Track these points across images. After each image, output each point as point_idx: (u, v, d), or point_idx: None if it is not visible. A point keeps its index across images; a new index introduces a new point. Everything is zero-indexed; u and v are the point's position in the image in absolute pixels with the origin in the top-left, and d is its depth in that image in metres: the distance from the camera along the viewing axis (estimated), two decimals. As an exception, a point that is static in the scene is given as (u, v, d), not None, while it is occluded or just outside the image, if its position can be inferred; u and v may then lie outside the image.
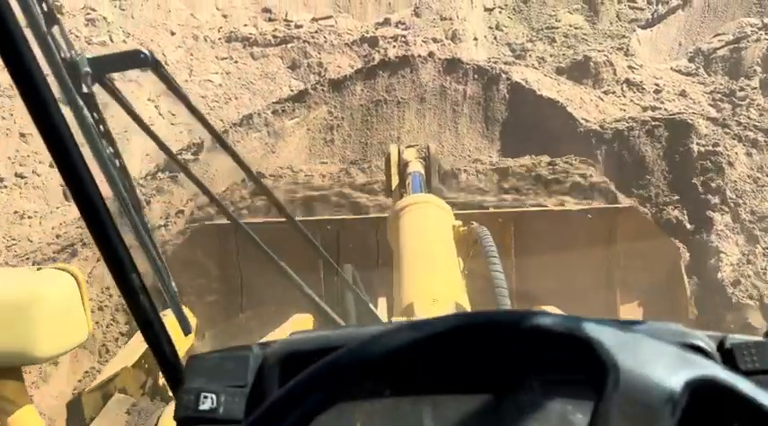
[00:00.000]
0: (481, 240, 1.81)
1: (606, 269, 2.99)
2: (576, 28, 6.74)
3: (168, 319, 1.02)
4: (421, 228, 2.07)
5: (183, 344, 1.49)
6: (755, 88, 5.71)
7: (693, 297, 3.02)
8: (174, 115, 6.05)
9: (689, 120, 4.23)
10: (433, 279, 1.76)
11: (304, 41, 7.12)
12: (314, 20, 7.69)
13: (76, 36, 6.47)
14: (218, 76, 6.72)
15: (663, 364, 0.44)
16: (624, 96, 5.72)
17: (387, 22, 7.52)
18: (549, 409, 0.67)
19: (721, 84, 5.93)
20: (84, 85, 0.98)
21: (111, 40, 6.57)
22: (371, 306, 2.11)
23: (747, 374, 0.63)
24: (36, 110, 0.59)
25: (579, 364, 0.47)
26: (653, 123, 4.30)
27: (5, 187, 5.01)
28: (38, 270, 1.14)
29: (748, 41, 6.16)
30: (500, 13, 7.33)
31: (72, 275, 1.12)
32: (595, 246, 2.94)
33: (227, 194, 3.78)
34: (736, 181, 3.87)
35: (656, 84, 5.92)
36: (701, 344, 0.65)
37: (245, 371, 0.67)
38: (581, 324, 0.48)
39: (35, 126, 0.59)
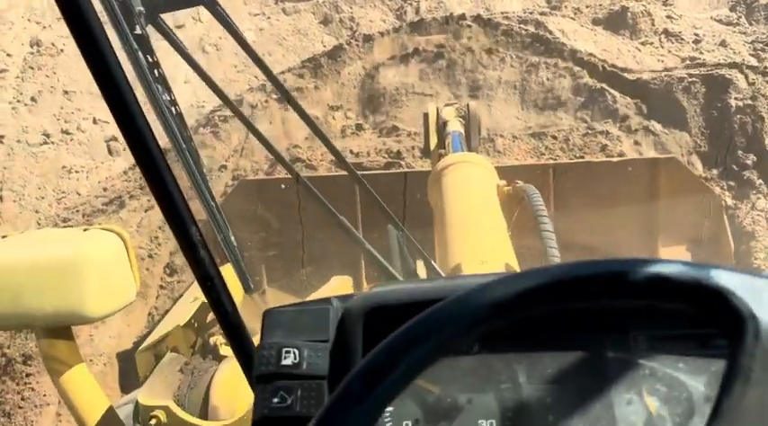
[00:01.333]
0: (530, 199, 1.76)
1: (647, 219, 2.96)
2: (613, -23, 6.57)
3: (227, 274, 0.99)
4: (464, 188, 2.00)
5: (245, 301, 1.51)
6: (800, 36, 5.55)
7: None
8: (210, 72, 6.12)
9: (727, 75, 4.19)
10: (480, 240, 1.71)
11: (335, -4, 7.09)
12: (345, -26, 7.63)
13: (112, -6, 6.54)
14: (251, 33, 6.77)
15: None
16: (662, 47, 5.62)
17: (418, -26, 7.42)
18: (656, 367, 0.64)
19: (764, 34, 5.77)
20: (137, 26, 0.93)
21: (146, -2, 6.65)
22: (433, 262, 2.02)
23: None
24: (89, 52, 0.56)
25: (705, 316, 0.44)
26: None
27: (52, 143, 5.18)
28: (84, 230, 1.14)
29: (793, -12, 5.96)
30: (534, -37, 7.17)
31: (118, 235, 1.11)
32: (636, 198, 2.90)
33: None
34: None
35: (696, 35, 5.79)
36: None
37: (326, 325, 0.64)
38: (709, 273, 0.43)
39: (88, 69, 0.56)
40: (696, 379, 0.62)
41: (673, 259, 0.47)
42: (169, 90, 0.99)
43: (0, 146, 5.02)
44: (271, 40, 6.72)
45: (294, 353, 0.61)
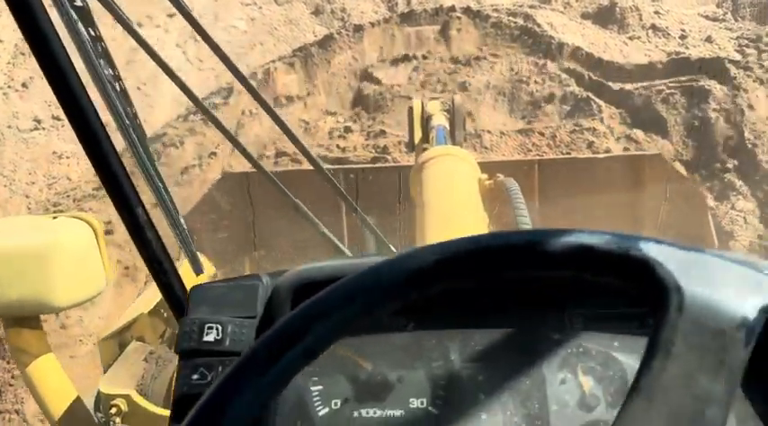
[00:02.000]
0: (509, 193, 1.75)
1: (632, 216, 2.98)
2: (602, -28, 6.64)
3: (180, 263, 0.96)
4: (445, 182, 2.00)
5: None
6: (784, 33, 5.65)
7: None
8: (201, 61, 6.16)
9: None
10: (457, 234, 1.64)
11: (327, -14, 7.11)
12: (337, -35, 7.65)
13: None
14: (242, 23, 6.79)
15: (734, 286, 0.38)
16: (649, 41, 5.70)
17: (410, -34, 7.45)
18: (590, 344, 0.63)
19: (749, 30, 5.86)
20: None
21: (138, -14, 6.63)
22: (393, 248, 2.03)
23: None
24: (25, 24, 0.54)
25: (632, 289, 0.41)
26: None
27: (43, 129, 5.20)
28: (54, 218, 1.11)
29: (779, -15, 6.05)
30: (525, -43, 7.23)
31: (89, 224, 1.08)
32: (621, 193, 2.90)
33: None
34: (755, 122, 3.93)
35: (682, 30, 5.87)
36: None
37: (254, 301, 0.63)
38: (636, 243, 0.41)
39: (25, 40, 0.54)
40: (631, 357, 0.61)
41: (599, 230, 0.44)
42: (113, 65, 0.94)
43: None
44: (262, 30, 6.74)
45: (217, 329, 0.60)
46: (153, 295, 1.95)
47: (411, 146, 2.89)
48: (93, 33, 0.87)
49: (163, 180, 1.02)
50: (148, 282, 3.76)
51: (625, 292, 0.41)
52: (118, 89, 0.91)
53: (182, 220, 1.09)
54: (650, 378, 0.35)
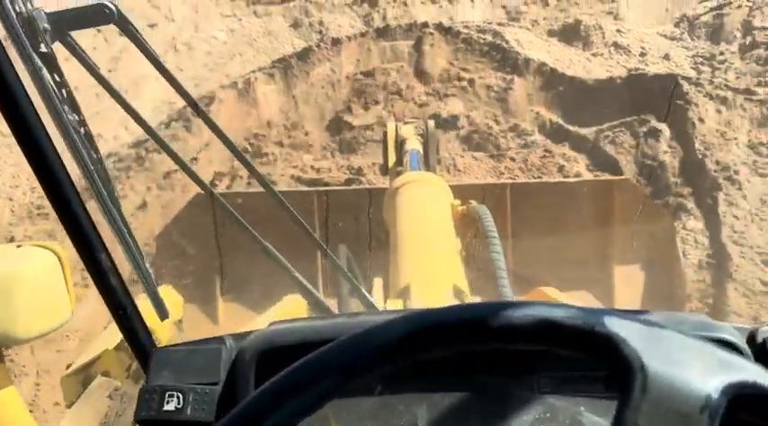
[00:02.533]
0: (481, 220, 1.76)
1: (601, 238, 3.01)
2: (568, -8, 6.99)
3: (146, 304, 0.99)
4: (418, 207, 2.01)
5: (162, 330, 1.47)
6: (734, 52, 6.03)
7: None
8: (181, 70, 6.32)
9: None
10: (430, 261, 1.71)
11: (306, 0, 7.34)
12: (315, -20, 7.90)
13: (86, -9, 6.68)
14: (222, 33, 6.97)
15: (698, 366, 0.39)
16: (611, 58, 6.03)
17: (386, -17, 7.74)
18: (558, 408, 0.63)
19: (703, 49, 6.24)
20: (42, 44, 0.90)
21: (120, -4, 6.79)
22: (365, 291, 1.98)
23: None
24: None
25: (598, 362, 0.42)
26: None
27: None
28: (18, 247, 1.08)
29: (730, 8, 6.45)
30: (496, -24, 7.57)
31: (54, 253, 1.06)
32: (590, 217, 2.96)
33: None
34: (705, 134, 4.24)
35: (642, 48, 6.23)
36: (731, 339, 0.60)
37: (217, 366, 0.61)
38: (601, 318, 0.42)
39: None
40: (597, 420, 0.61)
41: (566, 304, 0.45)
42: (77, 110, 0.94)
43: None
44: (242, 41, 6.94)
45: (178, 397, 0.58)
46: (118, 330, 2.00)
47: (385, 170, 2.92)
48: (57, 79, 0.87)
49: (128, 224, 1.02)
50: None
51: (594, 361, 0.42)
52: (82, 133, 0.91)
53: (147, 265, 1.08)
54: None
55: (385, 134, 2.90)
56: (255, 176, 1.68)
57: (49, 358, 3.30)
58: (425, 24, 5.37)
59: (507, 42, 5.22)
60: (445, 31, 5.25)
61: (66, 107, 0.88)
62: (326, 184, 4.11)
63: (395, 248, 1.78)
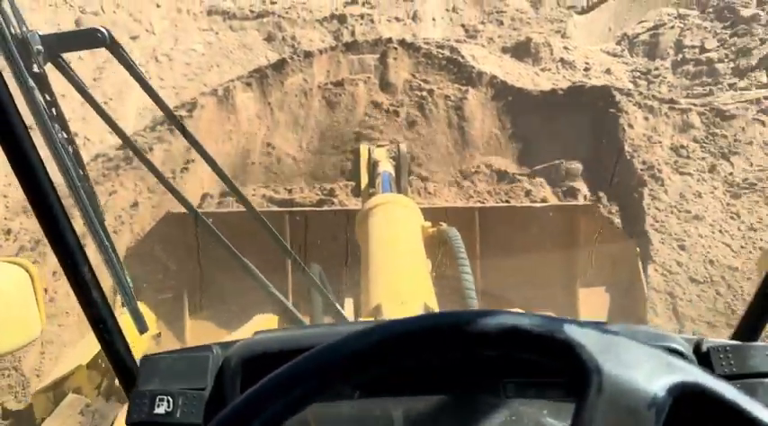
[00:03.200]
0: (451, 241, 1.82)
1: (566, 261, 3.11)
2: (521, 12, 7.64)
3: (124, 317, 0.97)
4: (389, 228, 2.05)
5: (139, 344, 1.48)
6: (667, 68, 6.72)
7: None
8: (162, 79, 6.74)
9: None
10: (401, 281, 1.75)
11: (279, 16, 7.84)
12: (287, -3, 8.42)
13: (71, 6, 7.06)
14: (200, 46, 7.41)
15: (647, 368, 0.43)
16: (558, 73, 6.66)
17: (354, 1, 8.29)
18: (522, 412, 0.67)
19: (641, 64, 6.92)
20: (35, 64, 0.90)
21: (103, 11, 7.19)
22: (339, 307, 2.06)
23: (724, 378, 0.62)
24: None
25: (558, 367, 0.46)
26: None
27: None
28: None
29: (665, 28, 7.16)
30: (456, -4, 8.19)
31: (25, 269, 1.07)
32: (556, 240, 3.05)
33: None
34: (633, 138, 4.85)
35: (587, 63, 6.87)
36: (678, 347, 0.66)
37: (205, 373, 0.64)
38: (561, 326, 0.46)
39: None
40: (559, 423, 0.65)
41: (527, 312, 0.49)
42: (66, 129, 0.94)
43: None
44: (219, 53, 7.39)
45: (168, 401, 0.61)
46: (91, 346, 1.86)
47: (358, 191, 3.01)
48: (48, 98, 0.89)
49: (111, 240, 1.02)
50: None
51: (555, 367, 0.45)
52: (71, 151, 0.91)
53: (128, 279, 1.07)
54: None
55: (358, 156, 2.97)
56: (237, 195, 1.64)
57: (52, 332, 3.67)
58: (390, 40, 5.90)
59: (463, 57, 5.78)
60: (408, 46, 5.79)
61: (56, 125, 0.87)
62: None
63: (366, 268, 1.80)
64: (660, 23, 7.29)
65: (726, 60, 6.40)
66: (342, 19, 7.78)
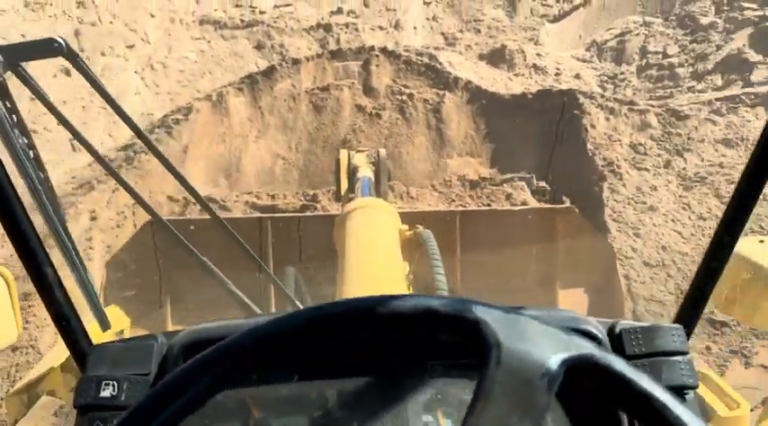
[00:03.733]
0: (425, 243, 1.85)
1: (545, 263, 3.14)
2: (497, 21, 8.10)
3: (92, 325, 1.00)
4: (366, 232, 2.07)
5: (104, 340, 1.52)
6: (633, 72, 7.19)
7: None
8: (158, 86, 7.12)
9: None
10: (376, 285, 1.76)
11: (268, 26, 8.25)
12: (276, 6, 8.83)
13: (69, 17, 7.43)
14: (193, 54, 7.80)
15: (543, 343, 0.47)
16: (530, 78, 7.11)
17: (340, 10, 8.71)
18: (447, 391, 0.72)
19: (608, 69, 7.39)
20: None
21: (100, 21, 7.56)
22: (298, 303, 2.04)
23: (634, 358, 0.70)
24: None
25: (467, 344, 0.49)
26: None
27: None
28: None
29: (631, 35, 7.64)
30: (436, 6, 8.63)
31: (1, 276, 1.08)
32: (535, 243, 3.09)
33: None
34: (595, 137, 5.29)
35: (557, 68, 7.33)
36: (591, 329, 0.71)
37: (150, 359, 0.68)
38: (468, 305, 0.49)
39: None
40: None
41: (443, 295, 0.54)
42: (27, 134, 0.98)
43: None
44: (211, 61, 7.77)
45: (113, 385, 0.65)
46: (64, 348, 2.02)
47: (338, 197, 3.02)
48: (8, 105, 0.91)
49: (72, 240, 1.04)
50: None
51: (465, 344, 0.49)
52: (31, 156, 0.94)
53: (89, 277, 1.10)
54: (474, 418, 0.43)
55: (337, 162, 2.98)
56: (200, 202, 1.66)
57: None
58: (372, 48, 6.32)
59: (441, 64, 6.22)
60: (389, 53, 6.22)
61: (16, 131, 0.89)
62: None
63: (342, 271, 1.83)
64: (627, 31, 7.77)
65: (686, 65, 6.89)
66: (327, 28, 8.20)
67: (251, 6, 8.66)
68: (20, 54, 0.93)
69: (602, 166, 5.13)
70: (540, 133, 5.48)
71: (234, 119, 5.76)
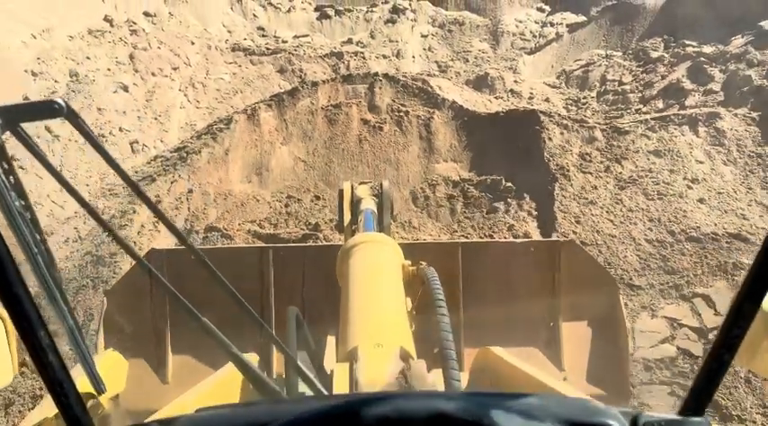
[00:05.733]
0: (429, 282, 1.82)
1: (548, 297, 3.11)
2: (483, 52, 9.58)
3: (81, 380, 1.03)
4: (369, 268, 2.07)
5: (101, 401, 1.52)
6: (593, 97, 8.63)
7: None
8: (198, 101, 8.58)
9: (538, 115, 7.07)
10: (378, 323, 1.76)
11: (289, 53, 9.74)
12: (295, 37, 10.33)
13: (125, 43, 8.94)
14: (227, 76, 9.27)
15: None
16: (507, 100, 8.55)
17: (350, 41, 10.23)
18: None
19: (573, 94, 8.83)
20: None
21: (150, 46, 9.06)
22: (306, 370, 1.83)
23: None
24: None
25: None
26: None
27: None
28: None
29: (594, 65, 9.10)
30: (432, 38, 10.15)
31: None
32: (538, 276, 3.06)
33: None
34: (551, 148, 6.71)
35: (531, 93, 8.78)
36: (611, 423, 0.67)
37: None
38: (488, 411, 0.49)
39: None
40: None
41: (461, 392, 0.58)
42: (24, 196, 0.95)
43: (58, 143, 7.29)
44: (242, 82, 9.25)
45: None
46: None
47: (340, 228, 3.00)
48: (5, 166, 0.91)
49: (68, 301, 1.04)
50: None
51: None
52: (28, 218, 0.95)
53: (84, 340, 1.09)
54: None
55: (341, 193, 2.95)
56: (183, 242, 1.52)
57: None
58: (376, 74, 7.79)
59: (431, 88, 7.67)
60: (390, 78, 7.68)
61: (12, 193, 0.91)
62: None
63: (345, 308, 1.81)
64: (591, 62, 9.23)
65: (636, 91, 8.32)
66: (339, 55, 9.70)
67: (275, 36, 10.18)
68: (19, 115, 0.94)
69: (555, 170, 6.53)
70: (508, 144, 6.90)
71: (264, 129, 7.20)
